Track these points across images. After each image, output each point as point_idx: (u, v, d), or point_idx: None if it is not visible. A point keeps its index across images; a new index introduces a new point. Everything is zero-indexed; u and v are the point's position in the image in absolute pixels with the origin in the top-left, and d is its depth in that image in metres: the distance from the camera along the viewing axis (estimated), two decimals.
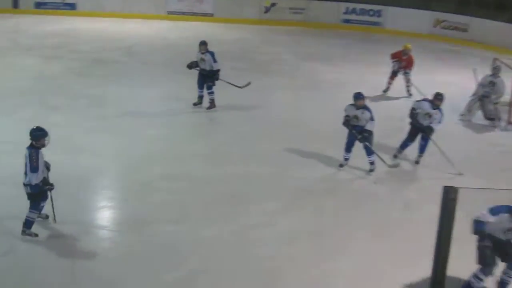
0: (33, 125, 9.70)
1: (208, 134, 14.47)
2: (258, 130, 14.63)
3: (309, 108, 16.95)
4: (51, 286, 8.52)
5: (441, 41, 26.95)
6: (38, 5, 29.20)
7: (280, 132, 14.67)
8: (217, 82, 15.94)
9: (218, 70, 15.84)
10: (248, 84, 16.55)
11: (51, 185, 9.65)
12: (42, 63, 20.33)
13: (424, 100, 13.48)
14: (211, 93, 16.02)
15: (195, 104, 16.30)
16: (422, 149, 13.37)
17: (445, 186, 7.46)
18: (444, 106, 13.14)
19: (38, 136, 9.46)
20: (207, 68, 15.76)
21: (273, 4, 29.48)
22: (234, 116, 15.76)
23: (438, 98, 13.04)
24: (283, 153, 13.41)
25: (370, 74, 20.63)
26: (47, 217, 10.02)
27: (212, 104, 16.09)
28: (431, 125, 12.89)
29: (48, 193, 9.71)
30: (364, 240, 9.96)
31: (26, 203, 9.61)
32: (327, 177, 12.42)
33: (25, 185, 9.43)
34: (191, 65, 15.99)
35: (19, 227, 9.64)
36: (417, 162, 13.46)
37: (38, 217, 9.72)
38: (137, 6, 28.99)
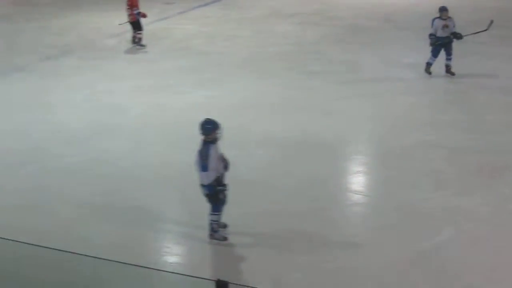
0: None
1: (461, 103, 13.97)
2: None
3: None
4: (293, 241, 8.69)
5: None
6: None
7: None
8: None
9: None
10: (491, 23, 15.68)
11: (224, 186, 8.47)
12: (300, 30, 20.77)
13: None
14: (451, 59, 15.30)
15: (426, 71, 15.46)
16: None
17: None
18: None
19: (208, 129, 8.32)
20: (447, 34, 15.03)
21: None
22: (490, 84, 15.05)
23: None
24: None
25: None
26: (224, 226, 8.82)
27: (449, 69, 15.35)
28: None
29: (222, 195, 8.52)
30: None
31: None
32: None
33: (201, 186, 8.40)
34: (433, 42, 15.15)
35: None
36: None
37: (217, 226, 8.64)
38: None
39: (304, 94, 14.45)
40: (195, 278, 5.58)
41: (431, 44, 15.20)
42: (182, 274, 7.24)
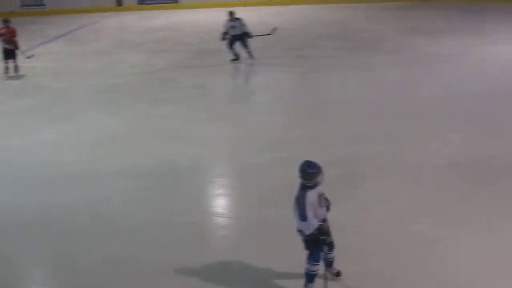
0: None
1: (315, 117, 14.30)
2: (367, 109, 14.43)
3: (417, 84, 16.62)
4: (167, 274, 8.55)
5: None
6: (142, 1, 29.86)
7: (390, 109, 14.41)
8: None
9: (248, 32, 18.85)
10: (275, 29, 19.62)
11: (328, 235, 7.58)
12: (148, 58, 20.73)
13: None
14: (249, 48, 19.11)
15: (233, 60, 19.37)
16: None
17: None
18: None
19: (312, 174, 7.51)
20: (239, 32, 18.85)
21: None
22: (341, 97, 15.60)
23: None
24: (395, 130, 13.12)
25: (475, 45, 20.19)
26: (338, 274, 7.98)
27: (251, 55, 19.21)
28: None
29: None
30: (484, 214, 9.59)
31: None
32: (442, 151, 12.09)
33: (299, 231, 7.54)
34: (224, 37, 19.05)
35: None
36: None
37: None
38: None
39: (156, 122, 14.40)
40: None
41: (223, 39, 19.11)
42: None
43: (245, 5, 29.35)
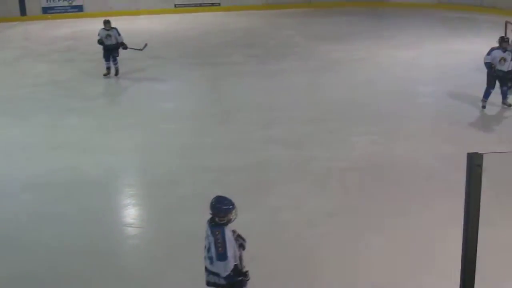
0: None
1: (224, 124, 14.34)
2: (276, 115, 14.57)
3: (324, 88, 16.88)
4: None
5: (450, 9, 26.96)
6: (45, 10, 29.34)
7: (298, 114, 14.57)
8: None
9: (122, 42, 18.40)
10: (146, 45, 19.00)
11: (245, 275, 6.97)
12: (54, 68, 20.36)
13: (493, 49, 14.22)
14: (117, 62, 18.63)
15: (105, 75, 18.56)
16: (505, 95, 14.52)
17: (469, 153, 6.92)
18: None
19: (226, 211, 6.83)
20: (114, 42, 18.30)
21: None
22: (250, 104, 15.70)
23: (505, 41, 14.26)
24: (304, 135, 13.30)
25: (379, 50, 20.69)
26: None
27: (118, 72, 18.67)
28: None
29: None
30: (392, 215, 9.80)
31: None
32: (349, 154, 12.32)
33: (212, 273, 6.88)
34: (100, 43, 18.39)
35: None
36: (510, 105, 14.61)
37: None
38: (144, 3, 29.21)
39: (64, 132, 14.17)
40: None
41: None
42: None
43: (149, 13, 29.25)
